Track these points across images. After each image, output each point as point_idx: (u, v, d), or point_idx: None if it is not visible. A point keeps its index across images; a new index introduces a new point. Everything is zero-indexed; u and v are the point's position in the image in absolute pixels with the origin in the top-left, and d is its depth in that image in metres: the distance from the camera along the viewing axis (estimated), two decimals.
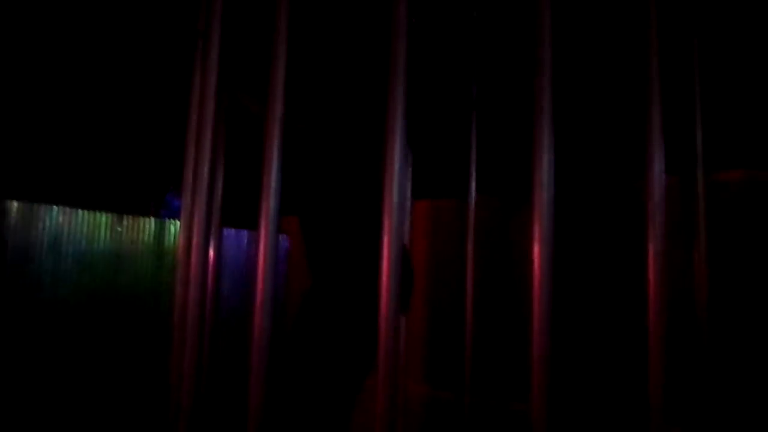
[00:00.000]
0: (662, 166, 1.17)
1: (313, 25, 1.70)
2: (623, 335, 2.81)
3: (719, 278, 2.34)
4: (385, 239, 0.96)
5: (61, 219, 3.83)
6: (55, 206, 3.82)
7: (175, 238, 4.26)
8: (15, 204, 3.75)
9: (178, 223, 4.42)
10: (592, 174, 3.15)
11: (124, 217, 4.05)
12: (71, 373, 3.79)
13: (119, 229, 4.00)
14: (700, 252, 1.48)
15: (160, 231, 4.15)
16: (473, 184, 3.07)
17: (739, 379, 2.45)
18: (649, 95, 1.22)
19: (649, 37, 1.22)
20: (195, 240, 1.37)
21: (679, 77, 1.94)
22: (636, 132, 2.98)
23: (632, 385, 2.70)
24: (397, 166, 1.05)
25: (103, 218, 3.96)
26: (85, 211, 3.91)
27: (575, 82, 3.16)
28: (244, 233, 4.51)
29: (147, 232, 4.10)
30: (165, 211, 4.77)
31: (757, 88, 2.78)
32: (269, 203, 1.12)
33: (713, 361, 1.64)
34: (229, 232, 4.48)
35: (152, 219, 4.16)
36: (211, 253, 1.51)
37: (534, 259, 1.04)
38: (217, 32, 1.41)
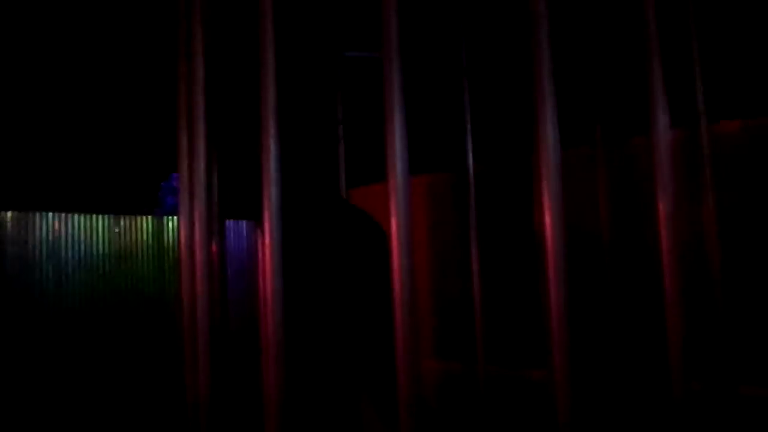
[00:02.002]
0: (667, 122, 1.14)
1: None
2: (639, 296, 2.80)
3: (727, 230, 2.33)
4: (393, 222, 0.94)
5: (57, 225, 3.80)
6: (50, 213, 3.78)
7: (174, 235, 4.24)
8: (9, 214, 3.71)
9: (176, 219, 4.39)
10: (587, 133, 3.12)
11: (121, 217, 4.02)
12: (80, 377, 3.79)
13: (117, 230, 3.97)
14: (709, 205, 1.47)
15: (159, 229, 4.12)
16: (470, 155, 3.04)
17: (754, 332, 2.45)
18: (649, 49, 1.18)
19: None
20: (197, 235, 1.35)
21: (674, 29, 1.91)
22: (629, 90, 2.94)
23: (651, 343, 2.71)
24: (398, 145, 1.02)
25: (100, 221, 3.92)
26: (81, 215, 3.87)
27: (566, 41, 3.11)
28: (243, 224, 4.48)
29: (145, 232, 4.07)
30: (159, 209, 4.73)
31: (748, 38, 2.74)
32: (271, 193, 1.10)
33: (729, 315, 1.63)
34: (229, 224, 4.45)
35: (150, 218, 4.12)
36: (214, 246, 1.49)
37: (546, 227, 1.02)
38: (200, 24, 1.37)
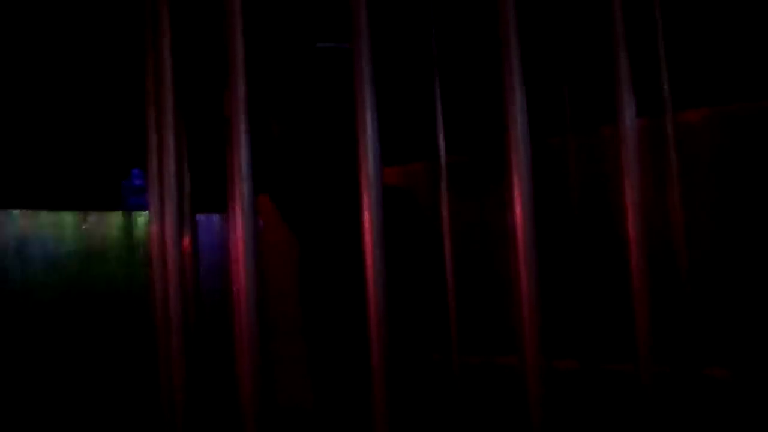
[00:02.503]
0: (633, 113, 1.16)
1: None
2: (609, 282, 2.86)
3: (693, 218, 2.38)
4: (366, 215, 0.94)
5: (23, 222, 3.71)
6: (15, 210, 3.70)
7: (144, 230, 4.18)
8: None
9: (146, 215, 4.33)
10: (558, 122, 3.16)
11: (89, 213, 3.95)
12: (51, 377, 3.73)
13: (85, 226, 3.89)
14: (674, 195, 1.50)
15: (129, 225, 4.05)
16: (442, 145, 3.05)
17: (719, 316, 2.52)
18: (615, 39, 1.20)
19: None
20: (168, 232, 1.33)
21: (640, 18, 1.94)
22: (599, 78, 2.98)
23: (620, 329, 2.76)
24: (369, 136, 1.02)
25: (68, 217, 3.85)
26: (48, 212, 3.79)
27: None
28: (216, 218, 4.44)
29: (115, 227, 4.00)
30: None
31: (713, 20, 2.79)
32: (242, 188, 1.09)
33: (695, 300, 1.68)
34: (200, 218, 4.40)
35: (119, 213, 4.06)
36: (186, 242, 1.47)
37: (516, 217, 1.03)
38: (167, 13, 1.35)
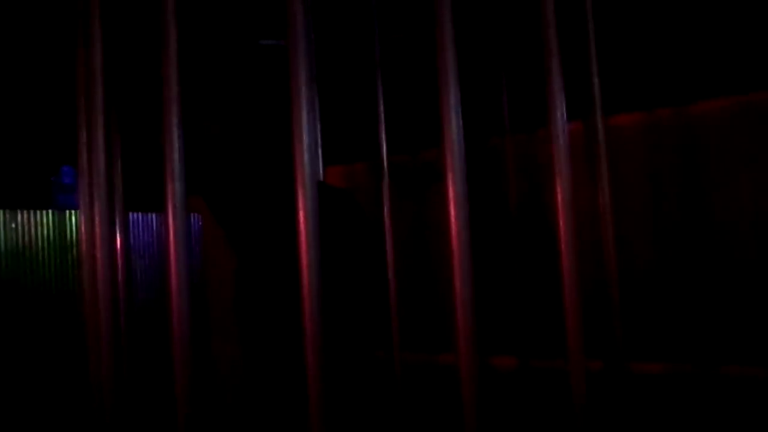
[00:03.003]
0: (564, 115, 1.20)
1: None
2: (539, 280, 2.93)
3: (624, 218, 2.48)
4: (301, 215, 0.94)
5: None
6: None
7: (78, 229, 4.03)
8: None
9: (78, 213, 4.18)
10: (496, 124, 3.22)
11: (18, 212, 3.78)
12: None
13: (14, 225, 3.73)
14: (605, 198, 1.56)
15: (61, 224, 3.90)
16: (384, 145, 3.07)
17: (647, 310, 2.63)
18: (548, 47, 1.23)
19: None
20: (98, 230, 1.30)
21: (572, 25, 1.99)
22: (535, 82, 3.05)
23: (553, 327, 2.84)
24: (305, 139, 1.02)
25: None
26: None
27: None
28: (152, 217, 4.32)
29: (46, 226, 3.84)
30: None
31: (645, 26, 2.91)
32: (175, 186, 1.07)
33: (623, 296, 1.75)
34: (135, 217, 4.28)
35: (50, 212, 3.90)
36: (117, 241, 1.43)
37: (450, 217, 1.05)
38: (98, 6, 1.31)
